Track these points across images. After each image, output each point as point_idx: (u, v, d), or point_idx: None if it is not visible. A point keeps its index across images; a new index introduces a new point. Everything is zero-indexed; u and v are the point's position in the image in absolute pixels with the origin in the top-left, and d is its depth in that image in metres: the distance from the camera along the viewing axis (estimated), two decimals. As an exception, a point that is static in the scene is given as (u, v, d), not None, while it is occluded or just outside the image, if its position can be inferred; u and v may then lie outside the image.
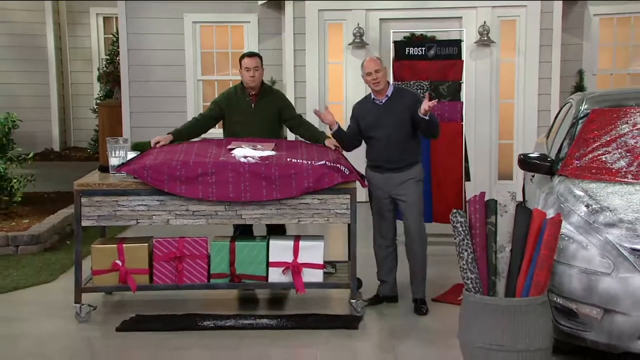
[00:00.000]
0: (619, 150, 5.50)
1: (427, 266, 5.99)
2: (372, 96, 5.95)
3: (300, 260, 5.83)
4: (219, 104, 6.52)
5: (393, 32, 8.70)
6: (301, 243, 5.88)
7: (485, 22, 9.99)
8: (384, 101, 5.88)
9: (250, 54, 6.59)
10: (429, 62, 8.12)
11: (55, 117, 14.55)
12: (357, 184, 5.82)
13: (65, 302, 6.05)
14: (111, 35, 13.87)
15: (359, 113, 6.02)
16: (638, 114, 5.73)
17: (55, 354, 5.27)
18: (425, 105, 5.54)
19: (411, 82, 8.05)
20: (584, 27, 10.66)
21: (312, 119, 10.25)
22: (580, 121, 5.88)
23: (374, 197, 6.01)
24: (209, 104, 6.95)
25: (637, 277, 4.45)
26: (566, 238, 4.75)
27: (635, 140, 5.52)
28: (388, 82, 5.93)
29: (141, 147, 7.00)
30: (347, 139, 6.05)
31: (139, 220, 5.78)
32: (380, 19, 10.22)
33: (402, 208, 5.92)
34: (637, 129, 5.59)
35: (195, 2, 10.99)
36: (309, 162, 5.76)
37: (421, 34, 9.71)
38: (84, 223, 5.78)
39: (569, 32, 10.48)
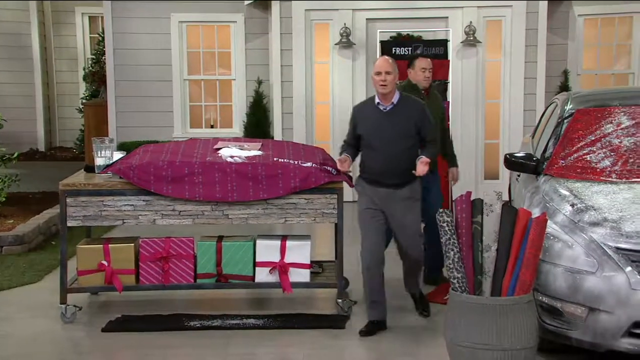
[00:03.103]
0: (604, 149, 5.53)
1: (425, 265, 6.04)
2: (377, 100, 5.42)
3: (287, 260, 5.83)
4: None
5: (380, 32, 8.73)
6: (288, 243, 5.87)
7: (471, 22, 10.02)
8: (388, 108, 5.37)
9: (425, 55, 6.69)
10: (415, 61, 8.12)
11: (40, 117, 14.48)
12: (345, 184, 5.82)
13: (51, 302, 6.02)
14: (97, 35, 13.82)
15: (358, 116, 5.50)
16: (622, 113, 5.76)
17: (40, 354, 5.24)
18: (420, 171, 5.19)
19: (398, 82, 8.04)
20: (568, 28, 10.73)
21: (300, 119, 10.27)
22: (565, 121, 5.91)
23: (364, 211, 5.45)
24: None
25: (621, 275, 4.48)
26: (551, 237, 4.78)
27: (619, 140, 5.56)
28: (395, 89, 5.45)
29: (127, 148, 6.98)
30: (351, 153, 5.53)
31: (125, 221, 5.76)
32: (366, 19, 10.23)
33: (396, 229, 5.47)
34: (621, 129, 5.63)
35: (182, 1, 10.96)
36: (296, 162, 5.76)
37: (408, 34, 9.73)
38: (70, 223, 5.75)
39: (554, 33, 10.54)
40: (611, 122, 5.72)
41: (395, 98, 5.37)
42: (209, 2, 10.98)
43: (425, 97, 6.28)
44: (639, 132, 5.58)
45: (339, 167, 5.45)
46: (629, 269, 4.48)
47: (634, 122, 5.66)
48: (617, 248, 4.57)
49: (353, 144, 5.53)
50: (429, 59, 6.52)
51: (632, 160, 5.40)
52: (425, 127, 5.38)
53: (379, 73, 5.30)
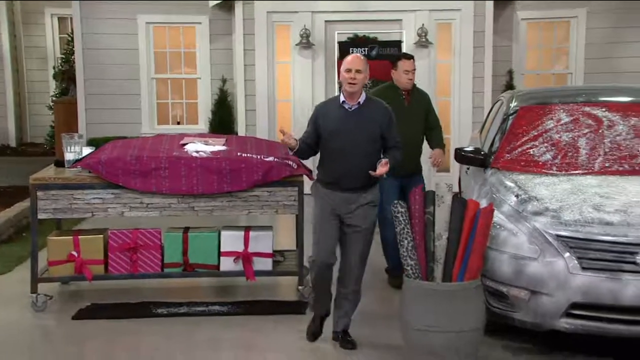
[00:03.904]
0: (545, 144, 5.61)
1: (372, 254, 5.77)
2: (342, 99, 4.86)
3: (250, 249, 5.82)
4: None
5: (337, 33, 8.73)
6: (251, 233, 5.86)
7: (423, 24, 10.07)
8: (354, 108, 4.83)
9: (409, 56, 6.25)
10: (371, 61, 8.07)
11: (11, 114, 14.22)
12: (305, 177, 5.82)
13: (22, 292, 5.92)
14: (66, 35, 13.58)
15: (321, 115, 4.90)
16: (562, 110, 5.85)
17: (12, 342, 5.16)
18: (379, 172, 4.77)
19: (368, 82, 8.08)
20: (513, 31, 10.86)
21: (263, 115, 10.24)
22: (510, 117, 5.98)
23: (321, 215, 4.89)
24: None
25: (561, 261, 4.56)
26: (498, 226, 4.83)
27: (559, 135, 5.64)
28: (362, 89, 4.90)
29: (97, 143, 6.89)
30: (304, 151, 5.01)
31: (94, 213, 5.71)
32: (325, 21, 10.22)
33: (349, 235, 4.88)
34: (561, 125, 5.72)
35: (148, 3, 10.86)
36: (259, 157, 5.75)
37: (364, 35, 9.75)
38: (40, 216, 5.68)
39: (500, 35, 10.65)
40: (552, 119, 5.80)
41: (362, 98, 4.85)
42: (175, 4, 10.88)
43: (404, 99, 6.12)
44: (577, 128, 5.67)
45: (288, 144, 4.89)
46: (567, 254, 4.56)
47: (572, 118, 5.76)
48: (557, 235, 4.64)
49: (308, 143, 4.93)
50: (412, 60, 6.16)
51: (570, 154, 5.49)
52: (390, 133, 4.88)
53: (349, 70, 4.77)
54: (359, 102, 4.84)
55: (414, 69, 6.16)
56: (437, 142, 6.26)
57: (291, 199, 5.76)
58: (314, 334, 5.06)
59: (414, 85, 6.23)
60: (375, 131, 4.83)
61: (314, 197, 4.98)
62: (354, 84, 4.76)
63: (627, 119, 5.67)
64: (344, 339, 4.97)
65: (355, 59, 4.83)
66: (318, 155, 5.02)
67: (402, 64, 6.10)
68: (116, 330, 5.31)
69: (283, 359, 4.84)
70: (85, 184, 5.67)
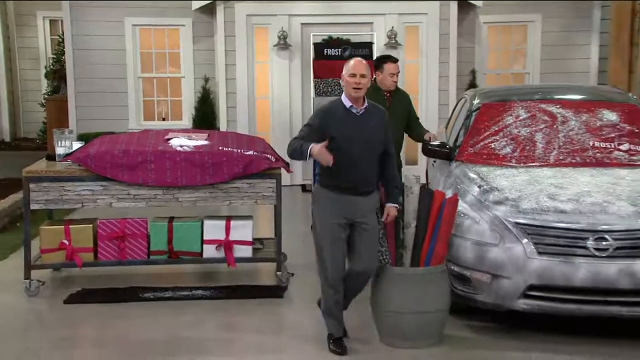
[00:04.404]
0: (505, 138, 5.64)
1: None
2: (347, 104, 4.45)
3: (231, 237, 5.79)
4: None
5: (313, 35, 8.70)
6: (232, 222, 5.82)
7: (393, 27, 10.09)
8: (361, 111, 4.45)
9: (395, 60, 6.17)
10: (344, 61, 8.07)
11: (5, 110, 14.03)
12: (282, 170, 5.80)
13: (16, 278, 5.84)
14: (57, 37, 13.39)
15: (330, 121, 4.42)
16: (520, 107, 5.88)
17: (6, 325, 5.10)
18: (391, 218, 4.56)
19: (329, 80, 8.06)
20: (475, 33, 10.89)
21: (243, 112, 10.18)
22: (473, 114, 5.99)
23: (331, 226, 4.42)
24: None
25: (519, 246, 4.58)
26: (462, 214, 4.85)
27: (518, 130, 5.67)
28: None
29: (86, 138, 6.81)
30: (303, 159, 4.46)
31: (84, 204, 5.65)
32: (301, 24, 10.20)
33: (363, 235, 4.46)
34: (519, 121, 5.74)
35: (135, 7, 10.75)
36: (239, 151, 5.71)
37: (337, 37, 9.73)
38: (33, 206, 5.61)
39: (463, 37, 10.68)
40: (511, 115, 5.82)
41: (366, 102, 4.50)
42: (160, 8, 10.78)
43: (386, 99, 6.03)
44: (534, 124, 5.70)
45: (326, 160, 4.31)
46: (525, 240, 4.59)
47: (529, 114, 5.79)
48: (516, 223, 4.67)
49: (310, 141, 4.41)
50: (397, 64, 6.10)
51: (528, 147, 5.52)
52: (388, 136, 4.57)
53: (353, 75, 4.39)
54: (366, 107, 4.48)
55: (399, 72, 6.16)
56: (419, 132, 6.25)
57: (270, 190, 5.73)
58: (342, 349, 4.50)
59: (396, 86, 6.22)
60: (382, 134, 4.52)
61: (319, 206, 4.49)
62: (359, 88, 4.39)
63: (579, 116, 5.72)
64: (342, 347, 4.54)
65: (358, 63, 4.45)
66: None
67: (388, 67, 6.08)
68: (105, 314, 5.26)
69: (262, 339, 4.82)
70: (76, 177, 5.60)
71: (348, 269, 4.53)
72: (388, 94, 6.11)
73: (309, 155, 4.35)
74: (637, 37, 9.83)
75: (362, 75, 4.39)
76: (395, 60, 6.17)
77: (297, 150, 4.42)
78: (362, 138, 4.41)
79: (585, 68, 10.95)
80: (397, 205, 4.56)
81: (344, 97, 4.48)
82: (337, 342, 4.53)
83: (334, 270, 4.44)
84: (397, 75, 6.13)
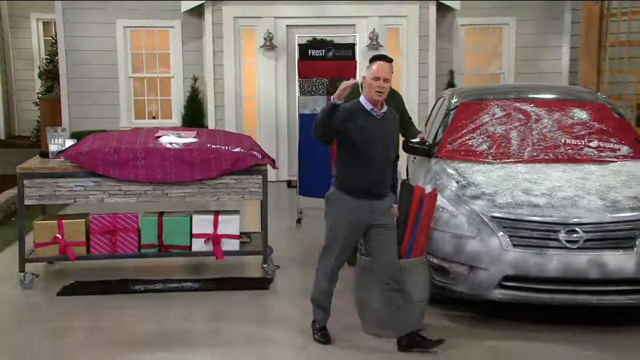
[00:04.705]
0: (482, 136, 5.65)
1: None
2: (368, 107, 4.26)
3: (219, 231, 5.76)
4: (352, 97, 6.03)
5: (298, 36, 8.66)
6: (220, 217, 5.80)
7: (374, 29, 10.08)
8: (381, 114, 4.29)
9: (388, 60, 5.99)
10: (328, 62, 8.12)
11: (0, 110, 13.87)
12: (268, 166, 5.77)
13: (10, 271, 5.79)
14: (50, 38, 13.25)
15: (349, 119, 4.19)
16: (496, 106, 5.89)
17: (1, 316, 5.05)
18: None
19: (314, 79, 8.03)
20: (453, 35, 10.91)
21: (231, 111, 10.14)
22: (451, 112, 6.00)
23: (346, 229, 4.30)
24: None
25: (495, 239, 4.60)
26: (441, 209, 4.85)
27: (494, 128, 5.69)
28: None
29: (79, 136, 6.74)
30: (330, 125, 4.17)
31: (76, 199, 5.60)
32: (287, 26, 10.16)
33: (383, 235, 4.32)
34: (495, 119, 5.76)
35: (126, 9, 10.66)
36: (227, 148, 5.69)
37: (321, 39, 9.70)
38: (27, 202, 5.55)
39: (442, 39, 10.69)
40: (487, 113, 5.84)
41: (385, 106, 4.34)
42: (150, 10, 10.70)
43: None
44: (509, 122, 5.72)
45: (347, 84, 4.08)
46: (501, 233, 4.60)
47: (505, 113, 5.81)
48: (492, 217, 4.68)
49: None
50: (388, 63, 6.08)
51: (504, 144, 5.54)
52: (397, 142, 4.51)
53: (377, 78, 4.22)
54: (384, 110, 4.31)
55: (388, 79, 6.00)
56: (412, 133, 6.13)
57: (256, 186, 5.71)
58: (326, 338, 4.48)
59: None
60: (396, 136, 4.45)
61: (334, 207, 4.32)
62: (381, 92, 4.22)
63: (551, 114, 5.74)
64: (425, 340, 4.32)
65: (382, 67, 4.25)
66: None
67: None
68: (97, 305, 5.22)
69: (249, 329, 4.80)
70: (68, 173, 5.56)
71: (378, 277, 4.36)
72: None
73: (332, 106, 4.08)
74: (605, 40, 9.91)
75: (386, 80, 4.23)
76: (388, 60, 6.06)
77: (318, 120, 4.15)
78: (381, 141, 4.26)
79: (557, 69, 11.01)
80: (395, 205, 4.50)
81: (363, 100, 4.29)
82: (322, 331, 4.52)
83: (336, 266, 4.42)
84: (385, 82, 5.98)
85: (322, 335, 4.50)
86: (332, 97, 4.14)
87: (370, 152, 4.22)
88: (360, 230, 4.34)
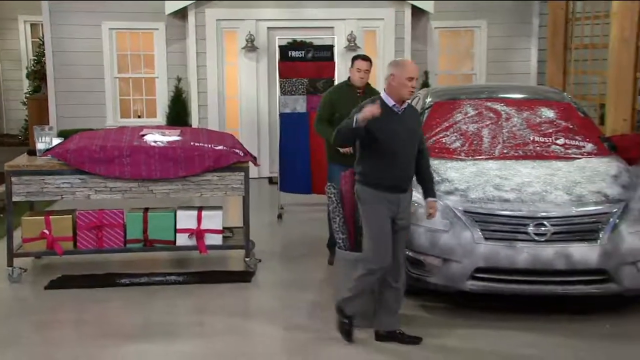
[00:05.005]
0: (455, 134, 5.66)
1: (316, 229, 5.31)
2: (390, 103, 4.20)
3: (203, 226, 5.72)
4: (332, 96, 5.93)
5: (278, 38, 8.62)
6: (204, 212, 5.76)
7: (352, 31, 10.07)
8: (402, 110, 4.24)
9: (365, 57, 5.96)
10: (307, 63, 8.09)
11: (-12, 109, 13.69)
12: (250, 163, 5.74)
13: (-1, 266, 5.70)
14: (38, 39, 13.09)
15: (374, 119, 4.03)
16: (468, 105, 5.91)
17: (-10, 311, 4.97)
18: (434, 214, 4.42)
19: (294, 79, 8.00)
20: (427, 37, 10.93)
21: (213, 110, 10.08)
22: (426, 111, 6.00)
23: (384, 219, 4.19)
24: (321, 104, 5.98)
25: (467, 233, 4.61)
26: (416, 204, 4.84)
27: (466, 126, 5.70)
28: None
29: (66, 134, 6.64)
30: (354, 136, 4.15)
31: (63, 196, 5.53)
32: (267, 28, 10.12)
33: (399, 233, 4.29)
34: (468, 117, 5.77)
35: (111, 12, 10.54)
36: (210, 146, 5.64)
37: (301, 40, 9.64)
38: (15, 198, 5.47)
39: (417, 41, 10.71)
40: (460, 112, 5.85)
41: (405, 102, 4.28)
42: (135, 12, 10.59)
43: (359, 95, 5.87)
44: (481, 120, 5.74)
45: (373, 111, 3.95)
46: (473, 227, 4.61)
47: (477, 111, 5.82)
48: (465, 211, 4.69)
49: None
50: (367, 62, 5.84)
51: (476, 142, 5.55)
52: (422, 135, 4.44)
53: (411, 78, 4.15)
54: (405, 106, 4.26)
55: (367, 69, 5.91)
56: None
57: (238, 183, 5.67)
58: (349, 332, 4.36)
59: (368, 83, 6.03)
60: (419, 133, 4.36)
61: (366, 202, 4.21)
62: (413, 91, 4.20)
63: (521, 113, 5.77)
64: (407, 336, 4.34)
65: (415, 67, 4.20)
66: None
67: (357, 63, 5.90)
68: (84, 298, 5.15)
69: (231, 321, 4.76)
70: (55, 171, 5.48)
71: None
72: (360, 91, 6.03)
73: (356, 122, 3.98)
74: (571, 43, 9.99)
75: (417, 79, 4.23)
76: (365, 58, 6.05)
77: (342, 129, 4.07)
78: (404, 135, 4.19)
79: (525, 70, 11.08)
80: (436, 199, 4.41)
81: (385, 97, 4.21)
82: (350, 328, 4.32)
83: (388, 259, 4.18)
84: (366, 73, 5.90)
85: (349, 331, 4.32)
86: (355, 118, 4.02)
87: (393, 146, 4.15)
88: (390, 224, 4.20)
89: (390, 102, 4.20)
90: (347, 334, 4.34)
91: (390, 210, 4.20)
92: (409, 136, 4.23)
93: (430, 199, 4.39)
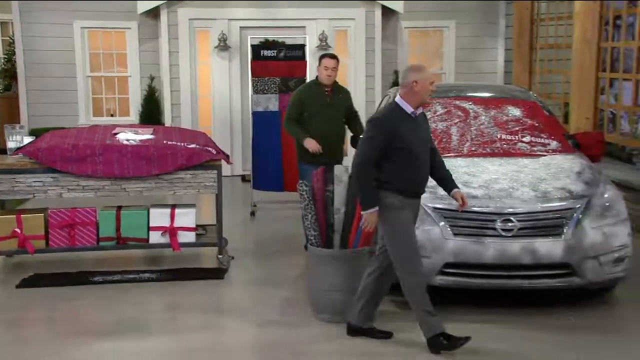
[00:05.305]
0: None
1: (289, 226, 5.31)
2: (409, 109, 4.10)
3: (176, 224, 5.67)
4: (300, 95, 5.96)
5: (250, 37, 8.58)
6: (177, 210, 5.71)
7: (324, 31, 10.08)
8: (417, 114, 4.16)
9: (332, 56, 5.98)
10: (279, 62, 8.08)
11: (-42, 107, 13.37)
12: (222, 161, 5.70)
13: (-30, 266, 5.59)
14: (8, 38, 12.83)
15: (397, 129, 4.04)
16: (438, 104, 5.94)
17: (-40, 311, 4.86)
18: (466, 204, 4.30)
19: (266, 78, 7.98)
20: (397, 37, 10.98)
21: (186, 109, 9.99)
22: (395, 110, 6.00)
23: (410, 227, 4.12)
24: (290, 102, 6.07)
25: (436, 228, 4.64)
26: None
27: (436, 124, 5.73)
28: None
29: (37, 133, 6.54)
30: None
31: (35, 195, 5.45)
32: (240, 27, 10.08)
33: None
34: (437, 115, 5.80)
35: (83, 10, 10.39)
36: (182, 144, 5.60)
37: (273, 40, 9.60)
38: (-15, 198, 5.35)
39: (387, 40, 10.75)
40: (429, 110, 5.87)
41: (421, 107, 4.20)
42: (107, 11, 10.45)
43: (327, 94, 5.94)
44: (450, 118, 5.77)
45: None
46: (442, 223, 4.65)
47: (445, 110, 5.86)
48: (434, 208, 4.72)
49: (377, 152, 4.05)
50: (334, 60, 5.91)
51: (445, 139, 5.59)
52: (431, 135, 4.42)
53: (433, 82, 4.14)
54: (420, 111, 4.19)
55: (334, 67, 5.93)
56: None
57: (211, 180, 5.64)
58: (448, 346, 4.10)
59: (336, 82, 6.05)
60: (431, 135, 4.36)
61: (393, 210, 4.07)
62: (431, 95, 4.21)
63: (488, 111, 5.82)
64: (378, 331, 4.33)
65: (430, 73, 4.16)
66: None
67: (324, 61, 5.93)
68: (56, 297, 5.07)
69: (204, 318, 4.73)
70: (27, 169, 5.39)
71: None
72: (328, 90, 6.03)
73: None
74: (536, 43, 10.12)
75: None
76: (332, 56, 6.06)
77: (362, 194, 4.10)
78: (422, 140, 4.16)
79: (493, 69, 11.20)
80: (459, 189, 4.31)
81: (402, 103, 4.11)
82: (443, 341, 4.08)
83: (421, 268, 4.12)
84: (333, 71, 5.93)
85: (444, 344, 4.07)
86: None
87: (416, 152, 4.08)
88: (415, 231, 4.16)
89: (408, 108, 4.10)
90: (449, 347, 4.08)
91: (414, 215, 4.19)
92: (425, 139, 4.20)
93: (455, 190, 4.31)
